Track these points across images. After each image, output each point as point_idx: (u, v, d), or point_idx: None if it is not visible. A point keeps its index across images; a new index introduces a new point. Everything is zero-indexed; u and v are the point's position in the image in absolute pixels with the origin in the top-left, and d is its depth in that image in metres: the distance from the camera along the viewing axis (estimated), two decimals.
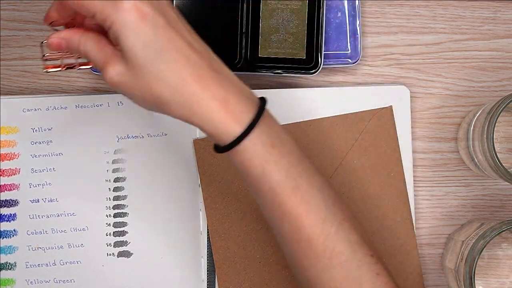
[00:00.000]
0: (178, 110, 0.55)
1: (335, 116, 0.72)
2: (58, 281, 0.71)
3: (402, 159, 0.72)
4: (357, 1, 0.72)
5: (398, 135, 0.72)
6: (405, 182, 0.72)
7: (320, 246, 0.56)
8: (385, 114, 0.72)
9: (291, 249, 0.57)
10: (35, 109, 0.72)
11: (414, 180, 0.73)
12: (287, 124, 0.72)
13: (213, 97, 0.54)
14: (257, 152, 0.55)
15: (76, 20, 0.58)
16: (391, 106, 0.72)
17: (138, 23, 0.52)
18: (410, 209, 0.72)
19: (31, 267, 0.71)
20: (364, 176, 0.72)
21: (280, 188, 0.55)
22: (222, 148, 0.55)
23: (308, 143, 0.72)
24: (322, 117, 0.72)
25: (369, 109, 0.72)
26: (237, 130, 0.54)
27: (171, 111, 0.55)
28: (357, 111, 0.72)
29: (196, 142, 0.71)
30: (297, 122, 0.72)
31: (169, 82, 0.53)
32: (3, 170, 0.71)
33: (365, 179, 0.72)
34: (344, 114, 0.72)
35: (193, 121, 0.55)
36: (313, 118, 0.72)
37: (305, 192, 0.56)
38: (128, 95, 0.56)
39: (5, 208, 0.71)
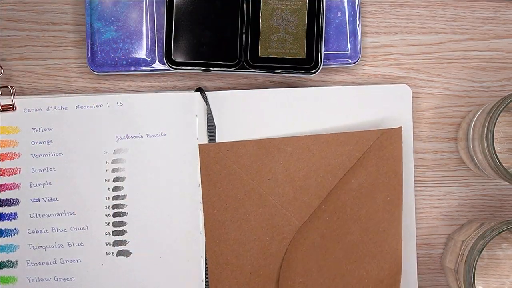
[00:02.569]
0: None
1: (340, 133, 0.71)
2: (58, 279, 0.71)
3: (403, 180, 0.70)
4: (357, 1, 0.72)
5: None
6: (401, 208, 0.70)
7: None
8: (393, 135, 0.70)
9: None
10: (36, 109, 0.72)
11: (414, 180, 0.73)
12: (290, 137, 0.71)
13: None
14: None
15: None
16: (400, 128, 0.70)
17: None
18: (401, 236, 0.70)
19: (32, 265, 0.71)
20: (360, 197, 0.70)
21: None
22: None
23: (310, 158, 0.71)
24: (326, 132, 0.71)
25: (377, 128, 0.71)
26: None
27: None
28: (365, 129, 0.71)
29: (202, 147, 0.71)
30: (301, 136, 0.71)
31: None
32: (4, 170, 0.71)
33: (360, 200, 0.70)
34: (351, 132, 0.71)
35: None
36: (318, 134, 0.71)
37: None
38: None
39: (6, 207, 0.71)
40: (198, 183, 0.72)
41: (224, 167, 0.71)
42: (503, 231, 0.65)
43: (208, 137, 0.72)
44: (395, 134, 0.70)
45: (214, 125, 0.72)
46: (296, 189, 0.71)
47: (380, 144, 0.70)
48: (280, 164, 0.71)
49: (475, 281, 0.65)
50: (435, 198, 0.74)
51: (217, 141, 0.72)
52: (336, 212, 0.70)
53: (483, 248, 0.64)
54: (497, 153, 0.65)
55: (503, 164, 0.65)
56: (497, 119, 0.64)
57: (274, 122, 0.72)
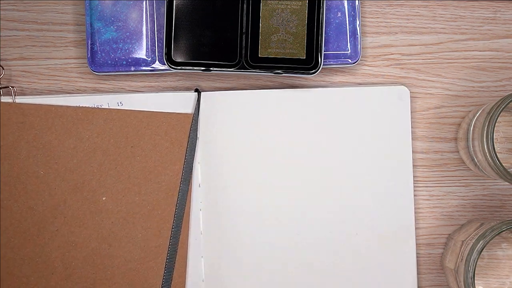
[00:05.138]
0: None
1: (123, 110, 0.70)
2: None
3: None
4: (357, 1, 0.72)
5: (398, 135, 0.72)
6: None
7: None
8: (182, 120, 0.70)
9: None
10: None
11: (414, 180, 0.73)
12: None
13: None
14: None
15: None
16: (191, 115, 0.70)
17: None
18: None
19: None
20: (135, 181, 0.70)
21: None
22: None
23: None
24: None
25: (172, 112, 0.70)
26: None
27: None
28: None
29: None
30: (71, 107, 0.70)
31: None
32: None
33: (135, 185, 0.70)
34: (137, 111, 0.70)
35: None
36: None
37: None
38: None
39: None
40: (199, 183, 0.72)
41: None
42: (503, 231, 0.65)
43: (189, 140, 0.71)
44: (184, 119, 0.70)
45: (197, 128, 0.71)
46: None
47: (167, 128, 0.70)
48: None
49: (475, 281, 0.65)
50: (435, 198, 0.74)
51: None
52: (107, 196, 0.70)
53: (483, 248, 0.64)
54: (497, 153, 0.65)
55: (503, 164, 0.65)
56: (497, 119, 0.64)
57: (274, 123, 0.72)
